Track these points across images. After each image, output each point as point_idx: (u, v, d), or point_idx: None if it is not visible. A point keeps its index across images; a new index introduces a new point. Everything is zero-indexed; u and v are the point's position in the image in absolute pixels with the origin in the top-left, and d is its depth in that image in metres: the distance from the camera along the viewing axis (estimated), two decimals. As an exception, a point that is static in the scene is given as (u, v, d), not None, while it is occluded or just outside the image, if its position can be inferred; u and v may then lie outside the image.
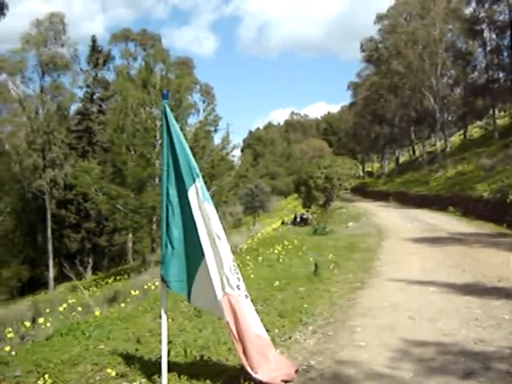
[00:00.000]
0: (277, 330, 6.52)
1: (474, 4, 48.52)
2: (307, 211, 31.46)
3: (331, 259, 12.36)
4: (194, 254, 4.66)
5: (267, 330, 6.39)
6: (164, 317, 4.67)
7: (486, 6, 47.21)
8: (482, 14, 47.79)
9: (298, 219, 27.20)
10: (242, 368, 4.73)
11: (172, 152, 4.64)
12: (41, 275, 48.57)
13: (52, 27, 49.61)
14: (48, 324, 7.81)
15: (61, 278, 44.54)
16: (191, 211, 4.58)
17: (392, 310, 7.57)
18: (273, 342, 6.03)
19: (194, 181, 4.59)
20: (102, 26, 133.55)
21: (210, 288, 4.61)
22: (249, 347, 4.67)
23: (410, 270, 11.27)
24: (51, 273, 46.00)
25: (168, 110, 4.64)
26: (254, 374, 4.65)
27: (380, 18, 57.18)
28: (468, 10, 49.71)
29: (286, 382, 4.86)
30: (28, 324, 7.92)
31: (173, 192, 4.65)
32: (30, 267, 48.64)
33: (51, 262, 46.54)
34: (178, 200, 4.67)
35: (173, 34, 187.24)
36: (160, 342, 4.80)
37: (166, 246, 4.63)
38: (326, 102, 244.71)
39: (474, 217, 23.37)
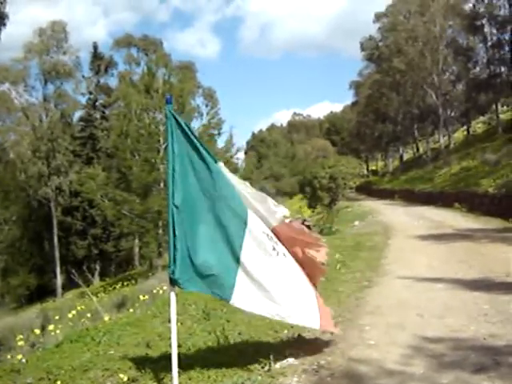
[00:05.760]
0: (286, 331, 6.52)
1: (473, -1, 48.63)
2: (313, 212, 31.48)
3: (338, 259, 12.34)
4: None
5: (275, 331, 6.45)
6: (174, 320, 4.68)
7: (486, 1, 47.27)
8: (482, 10, 47.89)
9: None
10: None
11: (193, 145, 4.80)
12: (48, 283, 48.71)
13: (54, 35, 49.79)
14: (57, 331, 7.84)
15: (69, 285, 44.63)
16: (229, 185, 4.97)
17: (400, 308, 7.57)
18: (282, 342, 6.08)
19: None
20: (105, 30, 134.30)
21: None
22: None
23: (417, 267, 11.26)
24: (59, 280, 46.12)
25: (173, 113, 4.69)
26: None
27: (379, 16, 57.21)
28: (467, 6, 49.97)
29: None
30: (38, 331, 7.95)
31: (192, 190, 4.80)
32: (37, 275, 48.78)
33: (58, 270, 46.67)
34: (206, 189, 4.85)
35: (175, 37, 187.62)
36: (170, 345, 4.82)
37: (176, 245, 4.65)
38: (330, 102, 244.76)
39: (479, 212, 23.34)
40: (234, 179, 5.09)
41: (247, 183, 5.26)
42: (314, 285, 5.59)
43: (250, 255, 4.91)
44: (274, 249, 5.04)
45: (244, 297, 4.88)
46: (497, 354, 5.20)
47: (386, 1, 63.72)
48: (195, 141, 4.79)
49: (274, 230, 5.21)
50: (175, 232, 4.60)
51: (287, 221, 5.42)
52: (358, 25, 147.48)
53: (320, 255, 5.56)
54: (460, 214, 24.66)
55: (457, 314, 6.94)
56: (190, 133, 4.76)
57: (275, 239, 5.12)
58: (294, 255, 5.36)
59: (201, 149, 4.79)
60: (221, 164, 5.01)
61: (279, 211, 5.28)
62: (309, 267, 5.49)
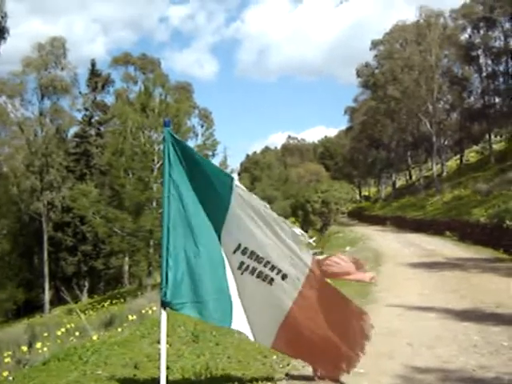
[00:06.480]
0: (275, 357, 6.49)
1: (469, 30, 49.56)
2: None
3: (329, 284, 12.29)
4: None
5: (265, 356, 6.42)
6: (164, 343, 4.66)
7: (482, 32, 47.92)
8: (478, 40, 48.56)
9: None
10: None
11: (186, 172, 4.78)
12: (36, 298, 48.27)
13: (53, 51, 49.87)
14: (45, 348, 7.77)
15: (56, 301, 44.31)
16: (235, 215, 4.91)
17: (390, 337, 7.55)
18: (271, 367, 6.04)
19: (231, 186, 4.90)
20: (104, 47, 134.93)
21: None
22: None
23: (407, 295, 11.25)
24: (47, 296, 45.76)
25: (173, 134, 4.72)
26: None
27: (375, 44, 57.65)
28: (463, 37, 50.64)
29: None
30: (25, 348, 7.88)
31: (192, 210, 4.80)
32: (25, 290, 48.29)
33: (47, 285, 46.33)
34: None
35: (173, 57, 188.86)
36: (158, 367, 4.79)
37: (169, 267, 4.64)
38: (325, 126, 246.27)
39: (471, 242, 23.40)
40: (252, 200, 5.05)
41: (267, 209, 5.21)
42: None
43: (235, 278, 4.93)
44: (240, 267, 5.02)
45: (241, 320, 4.89)
46: (485, 387, 5.20)
47: (384, 29, 64.33)
48: (194, 166, 4.80)
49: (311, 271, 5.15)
50: (169, 253, 4.60)
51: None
52: (354, 51, 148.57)
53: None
54: (451, 243, 24.71)
55: (447, 345, 6.93)
56: (189, 157, 4.78)
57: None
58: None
59: (197, 177, 4.82)
60: (236, 183, 4.96)
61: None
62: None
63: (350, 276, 5.35)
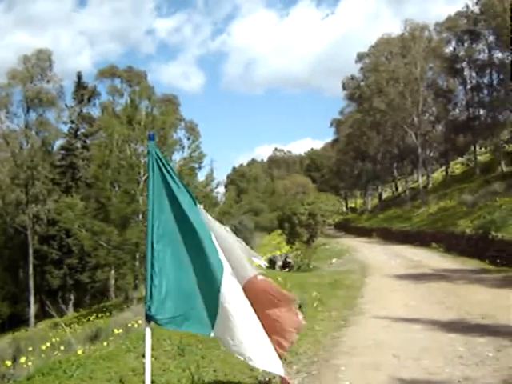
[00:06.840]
0: (261, 370, 6.46)
1: (453, 43, 49.90)
2: (291, 248, 31.41)
3: (315, 297, 12.31)
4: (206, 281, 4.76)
5: (251, 370, 6.39)
6: (148, 357, 4.62)
7: (466, 45, 48.36)
8: (462, 53, 48.93)
9: (280, 263, 25.62)
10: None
11: (171, 184, 4.79)
12: (21, 312, 47.78)
13: (39, 63, 49.70)
14: (29, 363, 7.69)
15: (42, 314, 43.90)
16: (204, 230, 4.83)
17: (376, 348, 7.55)
18: (257, 381, 6.01)
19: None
20: (90, 60, 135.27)
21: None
22: None
23: (393, 307, 11.27)
24: (32, 309, 45.32)
25: (155, 150, 4.72)
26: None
27: (361, 56, 57.98)
28: (448, 49, 50.93)
29: None
30: (9, 363, 7.80)
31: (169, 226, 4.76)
32: (10, 303, 47.87)
33: (32, 299, 45.90)
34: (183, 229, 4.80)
35: (160, 69, 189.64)
36: (143, 382, 4.75)
37: (153, 281, 4.59)
38: (311, 138, 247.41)
39: (456, 253, 23.47)
40: (211, 223, 5.08)
41: (228, 228, 5.23)
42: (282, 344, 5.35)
43: (228, 294, 4.85)
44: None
45: (222, 331, 4.82)
46: (471, 398, 5.20)
47: (369, 41, 64.79)
48: (174, 180, 4.79)
49: (247, 283, 5.12)
50: (153, 268, 4.56)
51: (260, 277, 5.25)
52: (340, 64, 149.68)
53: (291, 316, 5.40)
54: (437, 254, 24.79)
55: (433, 356, 6.94)
56: (170, 172, 4.78)
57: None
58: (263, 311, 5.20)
59: (178, 190, 4.82)
60: (200, 207, 5.00)
61: (256, 261, 5.30)
62: (279, 326, 5.34)
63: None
